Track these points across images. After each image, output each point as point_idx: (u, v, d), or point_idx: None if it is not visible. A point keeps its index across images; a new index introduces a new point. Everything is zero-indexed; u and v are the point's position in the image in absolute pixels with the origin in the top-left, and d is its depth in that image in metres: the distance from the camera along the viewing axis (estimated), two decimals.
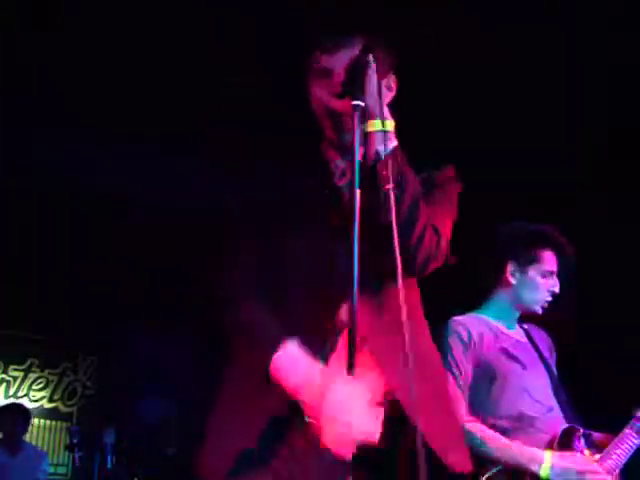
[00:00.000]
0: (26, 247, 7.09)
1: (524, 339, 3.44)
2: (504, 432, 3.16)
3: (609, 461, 3.14)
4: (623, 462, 3.18)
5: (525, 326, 3.51)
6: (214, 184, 5.42)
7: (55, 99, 5.20)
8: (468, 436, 2.99)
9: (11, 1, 4.62)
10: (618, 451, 3.17)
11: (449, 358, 3.21)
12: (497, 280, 3.44)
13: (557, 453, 3.05)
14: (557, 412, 3.27)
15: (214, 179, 5.47)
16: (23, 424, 6.90)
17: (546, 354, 3.47)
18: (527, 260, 3.39)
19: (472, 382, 3.25)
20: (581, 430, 3.18)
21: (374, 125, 2.10)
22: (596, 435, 3.30)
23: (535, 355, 3.40)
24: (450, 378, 3.15)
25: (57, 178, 6.21)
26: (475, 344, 3.26)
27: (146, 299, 7.88)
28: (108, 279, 7.58)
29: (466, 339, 3.25)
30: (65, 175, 6.16)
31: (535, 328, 3.56)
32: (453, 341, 3.25)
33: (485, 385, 3.24)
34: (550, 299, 3.39)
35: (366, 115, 2.08)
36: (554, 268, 3.38)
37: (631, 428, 3.21)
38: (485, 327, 3.34)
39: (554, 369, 3.47)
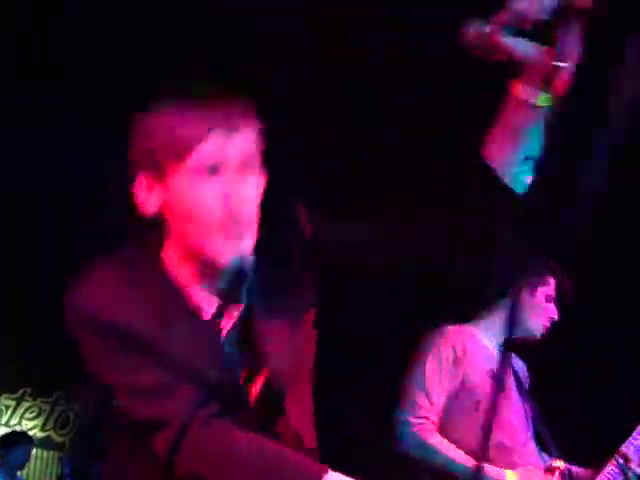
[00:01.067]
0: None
1: (508, 365, 3.35)
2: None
3: None
4: None
5: (506, 353, 3.42)
6: None
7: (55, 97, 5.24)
8: (430, 450, 3.05)
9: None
10: None
11: (435, 367, 3.18)
12: (502, 296, 3.39)
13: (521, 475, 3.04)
14: (532, 445, 3.25)
15: None
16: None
17: (525, 383, 3.46)
18: (537, 281, 3.38)
19: (455, 406, 3.20)
20: (563, 467, 3.18)
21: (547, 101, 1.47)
22: (576, 470, 3.28)
23: (515, 383, 3.37)
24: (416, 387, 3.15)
25: (57, 177, 6.21)
26: (467, 362, 3.21)
27: None
28: None
29: (460, 355, 3.21)
30: (65, 174, 6.17)
31: (514, 356, 3.53)
32: (447, 354, 3.21)
33: (470, 411, 3.18)
34: (548, 326, 3.38)
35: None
36: (554, 295, 3.39)
37: (615, 465, 3.20)
38: (478, 346, 3.29)
39: (531, 398, 3.43)
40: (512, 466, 3.09)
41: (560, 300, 3.39)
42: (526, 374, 3.51)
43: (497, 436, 3.11)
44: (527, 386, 3.46)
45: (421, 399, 3.11)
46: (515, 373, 3.39)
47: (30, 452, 7.07)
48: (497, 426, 3.13)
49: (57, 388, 8.92)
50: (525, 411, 3.31)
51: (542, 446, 3.29)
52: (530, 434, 3.27)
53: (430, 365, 3.17)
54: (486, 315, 3.40)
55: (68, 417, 8.93)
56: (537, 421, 3.32)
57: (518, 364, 3.49)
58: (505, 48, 1.45)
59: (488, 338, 3.33)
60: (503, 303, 3.37)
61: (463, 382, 3.19)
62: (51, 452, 8.61)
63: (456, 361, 3.19)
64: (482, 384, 3.18)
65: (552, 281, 3.39)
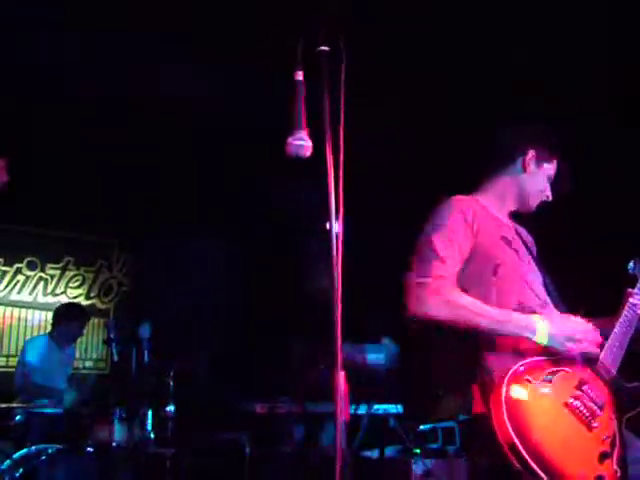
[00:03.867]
0: (65, 145, 7.25)
1: (515, 233, 3.46)
2: None
3: (609, 358, 3.16)
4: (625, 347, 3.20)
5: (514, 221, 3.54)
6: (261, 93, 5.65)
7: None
8: (460, 310, 3.02)
9: None
10: (617, 343, 3.19)
11: (445, 231, 3.17)
12: (510, 164, 3.44)
13: (551, 320, 3.06)
14: (551, 306, 3.30)
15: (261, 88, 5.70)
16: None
17: (532, 250, 3.50)
18: (545, 157, 3.42)
19: (473, 271, 3.22)
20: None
21: None
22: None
23: (525, 249, 3.42)
24: (436, 247, 3.13)
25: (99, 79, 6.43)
26: (478, 228, 3.23)
27: (179, 200, 8.09)
28: (142, 179, 7.77)
29: (470, 221, 3.22)
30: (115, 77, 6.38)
31: (518, 225, 3.58)
32: (455, 219, 3.21)
33: (489, 274, 3.22)
34: (541, 203, 3.45)
35: None
36: (553, 177, 3.45)
37: (630, 308, 3.26)
38: (486, 212, 3.33)
39: (540, 265, 3.47)
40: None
41: (556, 183, 3.45)
42: (531, 241, 3.58)
43: (518, 297, 3.20)
44: (535, 253, 3.52)
45: (436, 264, 3.10)
46: (524, 241, 3.46)
47: (85, 326, 7.25)
48: (517, 288, 3.23)
49: (99, 257, 9.15)
50: (539, 274, 3.39)
51: (558, 308, 3.33)
52: (547, 297, 3.34)
53: (442, 233, 3.18)
54: (488, 186, 3.47)
55: (111, 285, 9.17)
56: (548, 286, 3.38)
57: (523, 232, 3.56)
58: None
59: (495, 208, 3.41)
60: (503, 174, 3.44)
61: (477, 246, 3.22)
62: (96, 319, 8.78)
63: (467, 226, 3.21)
64: (496, 249, 3.24)
65: (556, 162, 3.46)
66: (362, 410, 5.92)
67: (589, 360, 3.14)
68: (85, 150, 7.32)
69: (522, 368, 2.98)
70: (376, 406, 6.04)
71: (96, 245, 9.08)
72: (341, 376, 2.19)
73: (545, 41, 5.53)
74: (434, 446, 5.70)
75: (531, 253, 3.45)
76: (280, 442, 6.23)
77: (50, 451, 5.21)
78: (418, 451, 5.47)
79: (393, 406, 6.13)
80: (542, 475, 2.74)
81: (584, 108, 5.63)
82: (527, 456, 2.76)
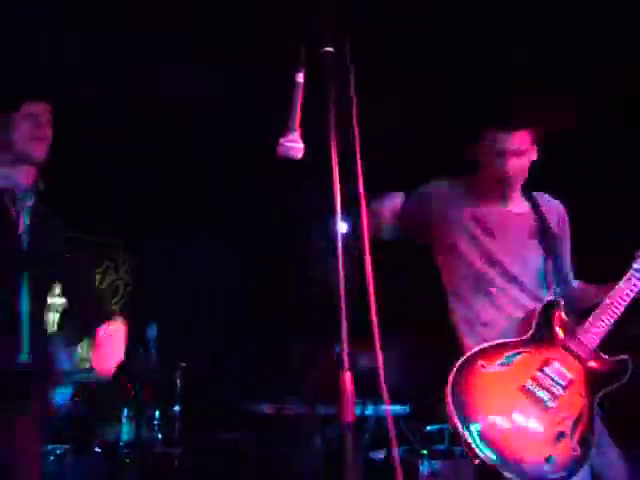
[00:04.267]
0: (70, 148, 7.23)
1: (523, 210, 3.50)
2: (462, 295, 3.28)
3: (592, 330, 3.14)
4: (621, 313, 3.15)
5: (534, 194, 3.56)
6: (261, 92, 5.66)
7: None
8: None
9: None
10: (607, 315, 3.14)
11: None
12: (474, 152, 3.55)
13: None
14: (526, 286, 3.33)
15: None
16: None
17: (552, 224, 3.52)
18: (487, 140, 3.47)
19: (439, 247, 3.42)
20: (561, 302, 3.23)
21: None
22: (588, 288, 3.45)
23: (528, 226, 3.45)
24: None
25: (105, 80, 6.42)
26: (436, 208, 3.43)
27: (179, 200, 8.09)
28: (142, 179, 7.76)
29: (426, 199, 3.48)
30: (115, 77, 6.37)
31: (546, 197, 3.61)
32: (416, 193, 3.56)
33: (447, 251, 3.39)
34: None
35: None
36: (505, 147, 3.39)
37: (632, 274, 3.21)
38: (452, 198, 3.47)
39: (559, 240, 3.51)
40: (490, 298, 3.27)
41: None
42: (558, 213, 3.60)
43: (478, 271, 3.32)
44: (558, 226, 3.56)
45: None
46: (540, 216, 3.47)
47: None
48: (475, 263, 3.34)
49: (106, 258, 9.08)
50: (539, 253, 3.43)
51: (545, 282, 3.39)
52: (528, 278, 3.36)
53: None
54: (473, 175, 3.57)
55: (118, 287, 9.09)
56: (545, 259, 3.42)
57: (548, 205, 3.58)
58: None
59: (485, 192, 3.50)
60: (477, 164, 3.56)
61: (436, 225, 3.41)
62: None
63: (421, 200, 3.48)
64: (455, 230, 3.38)
65: (500, 135, 3.43)
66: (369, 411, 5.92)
67: (566, 335, 3.13)
68: (85, 150, 7.30)
69: (477, 353, 3.04)
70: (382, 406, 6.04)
71: (103, 246, 9.00)
72: (347, 376, 2.18)
73: (545, 41, 5.52)
74: (441, 447, 5.70)
75: (543, 228, 3.46)
76: (286, 443, 6.22)
77: (58, 451, 5.21)
78: (425, 452, 5.47)
79: (400, 407, 6.14)
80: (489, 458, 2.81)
81: (584, 108, 5.63)
82: (470, 440, 2.82)
